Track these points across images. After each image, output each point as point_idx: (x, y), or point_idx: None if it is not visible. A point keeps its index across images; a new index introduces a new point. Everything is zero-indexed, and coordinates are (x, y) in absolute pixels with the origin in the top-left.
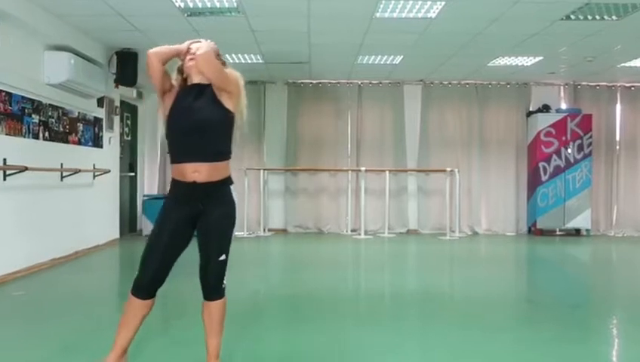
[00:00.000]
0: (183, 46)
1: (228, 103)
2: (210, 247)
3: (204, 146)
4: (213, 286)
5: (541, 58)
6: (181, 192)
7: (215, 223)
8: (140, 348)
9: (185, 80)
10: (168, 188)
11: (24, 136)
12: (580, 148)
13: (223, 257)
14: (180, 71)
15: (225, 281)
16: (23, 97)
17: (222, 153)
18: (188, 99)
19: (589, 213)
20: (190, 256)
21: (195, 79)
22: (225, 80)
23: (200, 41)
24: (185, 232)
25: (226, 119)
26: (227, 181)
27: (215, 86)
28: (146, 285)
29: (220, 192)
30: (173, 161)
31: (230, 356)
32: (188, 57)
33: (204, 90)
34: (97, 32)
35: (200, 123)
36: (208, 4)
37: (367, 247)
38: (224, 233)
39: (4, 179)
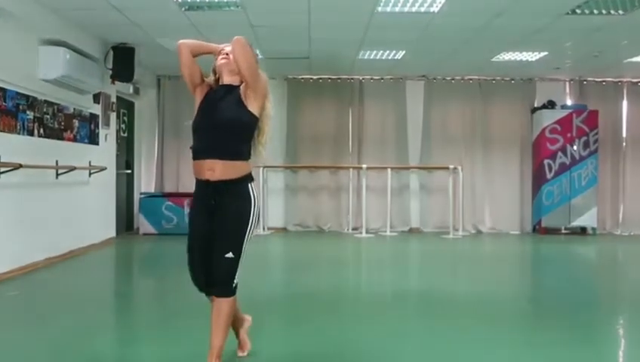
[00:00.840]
0: (219, 46)
1: (252, 106)
2: (218, 244)
3: (221, 145)
4: (219, 283)
5: (546, 53)
6: (198, 190)
7: (226, 221)
8: (135, 348)
9: (217, 80)
10: (165, 185)
11: (18, 133)
12: (586, 145)
13: (229, 255)
14: (215, 71)
15: (236, 280)
16: (17, 93)
17: (239, 153)
18: (214, 98)
19: (595, 212)
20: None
21: (226, 80)
22: (255, 73)
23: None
24: (210, 230)
25: (248, 121)
26: (245, 179)
27: (244, 79)
28: (203, 286)
29: (234, 190)
30: (193, 158)
31: (231, 358)
32: (221, 57)
33: (232, 91)
34: (93, 26)
35: (221, 122)
36: None
37: (368, 246)
38: (234, 231)
39: None
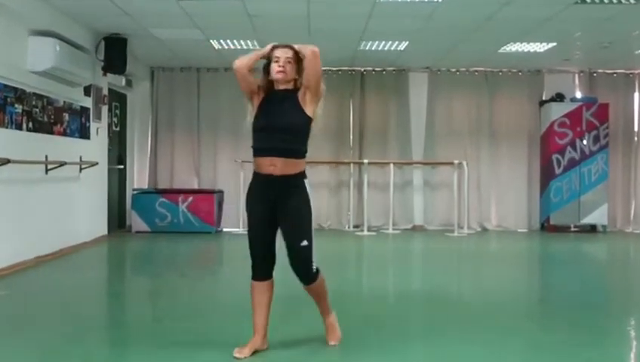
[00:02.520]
0: (266, 49)
1: (309, 109)
2: (290, 235)
3: (283, 145)
4: (302, 272)
5: (554, 44)
6: (258, 183)
7: (291, 211)
8: (130, 349)
9: (270, 82)
10: (159, 181)
11: (6, 127)
12: (596, 139)
13: (305, 243)
14: (266, 71)
15: (315, 265)
16: (5, 85)
17: (298, 151)
18: (274, 103)
19: (606, 209)
20: (186, 256)
21: (282, 86)
22: (320, 80)
23: (278, 46)
24: (269, 219)
25: (306, 123)
26: (301, 175)
27: (309, 85)
28: (260, 268)
29: (294, 184)
30: (254, 154)
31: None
32: (278, 70)
33: (290, 96)
34: (84, 16)
35: (283, 125)
36: None
37: (370, 245)
38: (301, 220)
39: None
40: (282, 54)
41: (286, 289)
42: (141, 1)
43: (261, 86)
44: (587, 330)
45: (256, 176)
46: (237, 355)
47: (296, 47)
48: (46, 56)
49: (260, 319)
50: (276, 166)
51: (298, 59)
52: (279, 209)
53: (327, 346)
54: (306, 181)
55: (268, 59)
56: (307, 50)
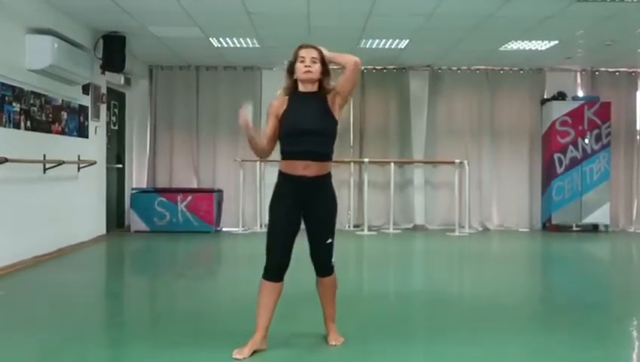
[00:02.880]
0: (299, 52)
1: (337, 113)
2: (318, 233)
3: (316, 149)
4: (323, 266)
5: (556, 42)
6: (290, 184)
7: (321, 211)
8: (128, 349)
9: (295, 81)
10: (158, 181)
11: (4, 126)
12: (598, 138)
13: (329, 241)
14: (291, 71)
15: (334, 260)
16: (2, 84)
17: (328, 154)
18: (304, 106)
19: (608, 208)
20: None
21: (307, 88)
22: (354, 89)
23: (303, 46)
24: (296, 218)
25: (335, 127)
26: (329, 175)
27: (344, 93)
28: (275, 270)
29: (323, 184)
30: (285, 158)
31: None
32: (303, 69)
33: (318, 100)
34: (82, 14)
35: (317, 129)
36: None
37: (370, 244)
38: (330, 220)
39: None
40: (307, 54)
41: (291, 288)
42: None
43: (285, 88)
44: (589, 331)
45: (287, 177)
46: (237, 356)
47: (335, 55)
48: (44, 55)
49: (263, 319)
50: (309, 168)
51: (322, 59)
52: (308, 209)
53: (327, 346)
54: (332, 180)
55: (293, 58)
56: (350, 59)
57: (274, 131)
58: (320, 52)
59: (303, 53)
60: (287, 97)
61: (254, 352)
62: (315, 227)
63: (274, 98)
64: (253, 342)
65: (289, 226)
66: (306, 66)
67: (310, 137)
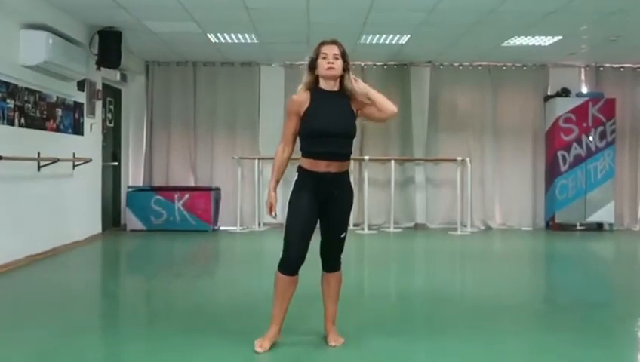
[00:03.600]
0: (321, 49)
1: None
2: (334, 227)
3: (339, 150)
4: (334, 260)
5: (560, 38)
6: (312, 180)
7: (340, 206)
8: (124, 350)
9: (316, 77)
10: (154, 179)
11: None
12: (603, 135)
13: (344, 235)
14: (312, 68)
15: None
16: None
17: (350, 154)
18: (328, 106)
19: (612, 206)
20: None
21: (330, 85)
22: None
23: (325, 42)
24: (315, 214)
25: (356, 127)
26: (348, 171)
27: (360, 112)
28: (292, 263)
29: (344, 180)
30: (307, 156)
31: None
32: (326, 65)
33: (342, 99)
34: (78, 9)
35: (340, 133)
36: None
37: (370, 244)
38: (347, 215)
39: None
40: (329, 50)
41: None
42: None
43: (306, 83)
44: (593, 330)
45: (309, 173)
46: (258, 350)
47: (375, 94)
48: (38, 50)
49: (279, 311)
50: (333, 166)
51: (343, 55)
52: (329, 204)
53: (327, 347)
54: (349, 176)
55: (315, 55)
56: (389, 107)
57: (295, 130)
58: (341, 47)
59: (325, 49)
60: (308, 94)
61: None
62: (332, 221)
63: (272, 93)
64: (272, 334)
65: (309, 221)
66: (328, 63)
67: (335, 139)
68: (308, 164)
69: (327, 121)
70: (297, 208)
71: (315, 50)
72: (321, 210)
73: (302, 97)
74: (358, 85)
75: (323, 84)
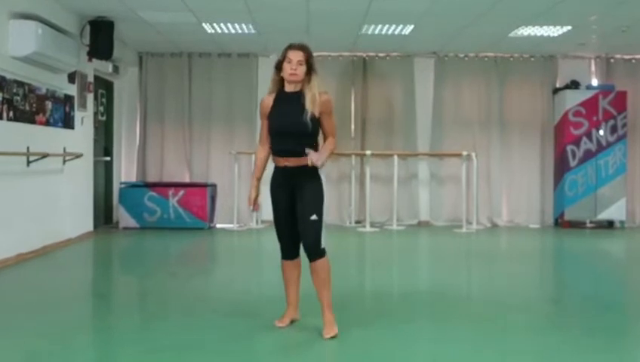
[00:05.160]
0: (287, 55)
1: (317, 113)
2: (302, 210)
3: (292, 148)
4: (311, 247)
5: (569, 28)
6: (279, 172)
7: (306, 191)
8: (116, 353)
9: (282, 78)
10: (148, 174)
11: None
12: (614, 129)
13: (314, 217)
14: (278, 68)
15: (323, 243)
16: None
17: (303, 151)
18: (285, 108)
19: (624, 203)
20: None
21: (292, 88)
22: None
23: (292, 47)
24: (291, 200)
25: (313, 125)
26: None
27: (321, 114)
28: (288, 249)
29: (306, 171)
30: (272, 153)
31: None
32: (290, 71)
33: (300, 100)
34: None
35: (291, 132)
36: None
37: (373, 242)
38: (313, 197)
39: None
40: (294, 56)
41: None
42: None
43: (273, 83)
44: (604, 333)
45: (276, 167)
46: (279, 324)
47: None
48: (28, 41)
49: (291, 293)
50: (290, 161)
51: (308, 59)
52: (296, 190)
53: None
54: (319, 171)
55: (282, 57)
56: (329, 147)
57: (267, 130)
58: (306, 54)
59: (290, 55)
60: (273, 96)
61: (292, 321)
62: (300, 205)
63: (267, 91)
64: (289, 314)
65: (287, 208)
66: (291, 69)
67: (288, 137)
68: (273, 159)
69: (281, 121)
70: (275, 201)
71: (283, 52)
72: (295, 198)
73: (267, 101)
74: (314, 160)
75: (286, 86)
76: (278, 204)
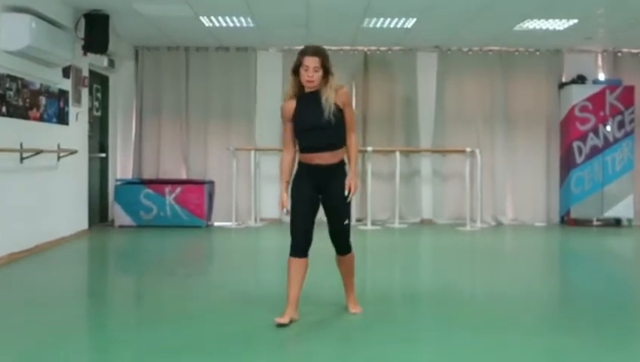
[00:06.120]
0: (301, 59)
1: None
2: (335, 216)
3: (317, 139)
4: (341, 245)
5: (575, 21)
6: (307, 170)
7: (337, 196)
8: (111, 355)
9: (300, 83)
10: (144, 171)
11: None
12: (621, 125)
13: (346, 222)
14: (296, 73)
15: (351, 240)
16: None
17: (336, 144)
18: (309, 105)
19: (631, 200)
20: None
21: (311, 88)
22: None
23: (306, 52)
24: (315, 199)
25: (338, 118)
26: (342, 162)
27: (342, 106)
28: (300, 247)
29: (337, 171)
30: (300, 151)
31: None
32: (307, 78)
33: (320, 96)
34: None
35: (315, 124)
36: None
37: (374, 240)
38: (344, 202)
39: None
40: (310, 63)
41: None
42: None
43: (291, 87)
44: (612, 333)
45: (304, 165)
46: (280, 321)
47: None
48: (21, 35)
49: (293, 293)
50: (322, 158)
51: (323, 63)
52: (325, 193)
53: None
54: (346, 167)
55: (298, 62)
56: (354, 161)
57: (291, 133)
58: (321, 58)
59: (307, 62)
60: (294, 99)
61: (291, 321)
62: (332, 210)
63: (269, 80)
64: (289, 313)
65: (309, 206)
66: (309, 76)
67: (312, 132)
68: (302, 158)
69: (304, 118)
70: (296, 197)
71: (298, 57)
72: (322, 199)
73: (290, 105)
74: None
75: (305, 88)
76: (300, 200)
